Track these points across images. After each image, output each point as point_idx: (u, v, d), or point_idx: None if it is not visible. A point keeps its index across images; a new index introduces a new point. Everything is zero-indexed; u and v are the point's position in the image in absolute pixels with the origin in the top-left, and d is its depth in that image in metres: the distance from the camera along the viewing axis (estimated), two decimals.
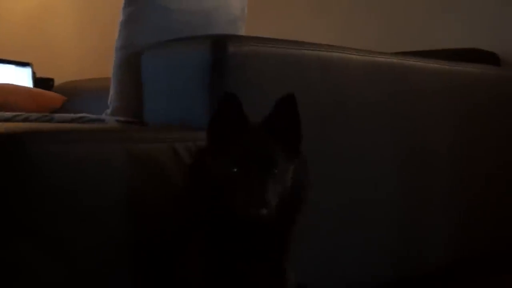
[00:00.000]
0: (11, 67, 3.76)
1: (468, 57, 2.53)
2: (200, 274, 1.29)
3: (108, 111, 1.77)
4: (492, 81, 2.41)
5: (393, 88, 1.94)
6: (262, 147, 1.25)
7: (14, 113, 1.74)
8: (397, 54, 2.08)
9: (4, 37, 4.52)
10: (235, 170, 1.22)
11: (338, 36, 3.11)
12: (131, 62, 1.73)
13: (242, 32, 2.00)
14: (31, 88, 3.59)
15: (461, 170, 2.24)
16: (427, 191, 2.11)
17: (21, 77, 3.75)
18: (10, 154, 1.19)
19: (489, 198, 2.40)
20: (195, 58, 1.56)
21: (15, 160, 1.19)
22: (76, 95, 3.40)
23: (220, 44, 1.53)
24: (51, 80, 3.93)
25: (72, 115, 1.66)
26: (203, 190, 1.28)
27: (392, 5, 3.22)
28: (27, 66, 3.83)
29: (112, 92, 1.78)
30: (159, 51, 1.67)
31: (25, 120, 1.69)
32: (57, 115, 1.65)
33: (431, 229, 2.13)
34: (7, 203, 1.18)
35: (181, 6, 1.77)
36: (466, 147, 2.26)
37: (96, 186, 1.30)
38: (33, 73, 3.83)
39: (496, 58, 2.76)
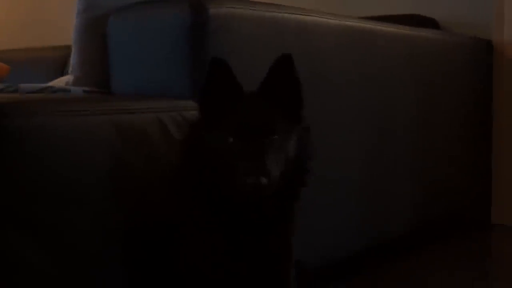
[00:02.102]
0: None
1: (410, 22, 2.52)
2: (203, 252, 1.20)
3: (70, 81, 1.63)
4: (446, 45, 2.41)
5: (363, 53, 1.89)
6: (258, 113, 1.15)
7: None
8: (361, 18, 2.03)
9: None
10: (231, 140, 1.13)
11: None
12: (94, 27, 1.60)
13: None
14: None
15: (421, 136, 2.23)
16: (391, 157, 2.08)
17: None
18: None
19: (446, 164, 2.41)
20: (172, 21, 1.45)
21: None
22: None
23: (199, 5, 1.43)
24: None
25: (38, 85, 1.52)
26: (199, 165, 1.18)
27: None
28: None
29: (73, 60, 1.64)
30: (129, 15, 1.54)
31: None
32: (22, 86, 1.50)
33: (395, 196, 2.11)
34: None
35: None
36: (425, 112, 2.25)
37: (83, 160, 1.18)
38: None
39: (436, 24, 2.77)
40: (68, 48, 3.29)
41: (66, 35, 3.47)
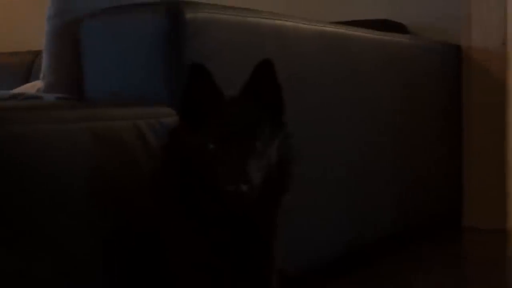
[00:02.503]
0: None
1: (379, 27, 2.53)
2: (186, 258, 1.17)
3: (41, 88, 1.59)
4: (418, 50, 2.42)
5: (340, 57, 1.89)
6: (239, 118, 1.12)
7: None
8: (336, 24, 2.03)
9: None
10: (212, 146, 1.10)
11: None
12: (66, 32, 1.56)
13: None
14: None
15: (398, 140, 2.24)
16: (372, 160, 2.08)
17: None
18: None
19: (424, 169, 2.42)
20: (148, 26, 1.42)
21: None
22: None
23: (176, 10, 1.40)
24: None
25: (8, 92, 1.48)
26: (180, 172, 1.15)
27: None
28: None
29: (44, 66, 1.59)
30: (104, 19, 1.50)
31: None
32: None
33: (377, 199, 2.11)
34: None
35: None
36: (400, 116, 2.25)
37: (61, 169, 1.14)
38: None
39: (404, 29, 2.79)
40: (32, 53, 3.26)
41: (30, 41, 3.44)
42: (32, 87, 1.94)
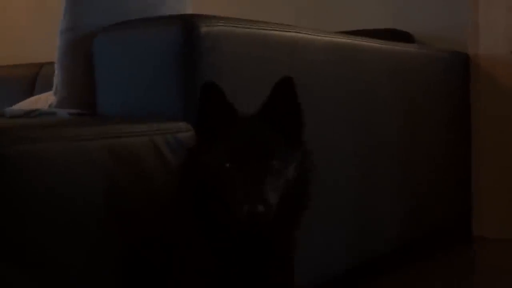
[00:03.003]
0: None
1: (385, 37, 2.52)
2: (202, 279, 1.16)
3: (54, 102, 1.57)
4: (426, 59, 2.41)
5: (351, 68, 1.87)
6: (255, 137, 1.11)
7: None
8: (345, 34, 2.01)
9: None
10: (228, 165, 1.09)
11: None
12: (79, 46, 1.54)
13: (190, 10, 1.85)
14: None
15: (405, 151, 2.22)
16: (378, 174, 2.06)
17: None
18: None
19: (432, 179, 2.40)
20: (163, 40, 1.41)
21: None
22: None
23: (191, 24, 1.39)
24: None
25: (23, 109, 1.46)
26: (196, 191, 1.14)
27: None
28: None
29: (57, 80, 1.58)
30: (117, 34, 1.49)
31: None
32: (8, 109, 1.44)
33: (383, 213, 2.09)
34: None
35: None
36: (408, 126, 2.24)
37: (78, 187, 1.13)
38: None
39: (411, 38, 2.78)
40: (35, 66, 3.24)
41: (32, 54, 3.43)
42: (36, 101, 1.93)
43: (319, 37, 1.73)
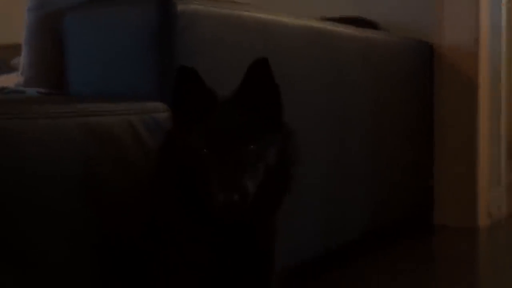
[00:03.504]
0: None
1: (352, 24, 2.52)
2: (181, 261, 1.13)
3: (21, 82, 1.52)
4: (395, 47, 2.41)
5: (324, 53, 1.86)
6: (232, 122, 1.08)
7: None
8: (322, 20, 2.00)
9: None
10: (204, 151, 1.05)
11: None
12: (47, 25, 1.49)
13: None
14: None
15: (374, 139, 2.23)
16: (349, 160, 2.06)
17: None
18: None
19: (398, 169, 2.41)
20: (137, 19, 1.37)
21: None
22: None
23: (167, 2, 1.35)
24: None
25: None
26: (175, 176, 1.10)
27: None
28: None
29: (24, 60, 1.53)
30: (88, 12, 1.45)
31: None
32: None
33: (352, 201, 2.09)
34: None
35: None
36: (377, 115, 2.24)
37: (53, 166, 1.09)
38: None
39: (377, 26, 2.79)
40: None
41: None
42: (4, 81, 1.86)
43: (293, 21, 1.71)
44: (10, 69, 2.25)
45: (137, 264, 1.17)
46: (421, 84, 2.62)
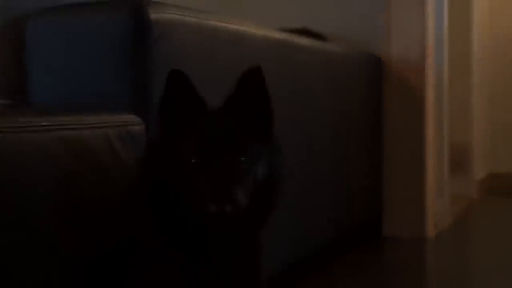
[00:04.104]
0: None
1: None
2: (162, 278, 1.06)
3: None
4: (348, 59, 2.42)
5: (288, 65, 1.84)
6: (224, 131, 1.03)
7: None
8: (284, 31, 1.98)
9: None
10: (193, 160, 1.01)
11: None
12: (8, 31, 1.41)
13: None
14: None
15: (335, 149, 2.23)
16: (313, 170, 2.05)
17: None
18: None
19: (351, 181, 2.41)
20: (110, 26, 1.31)
21: None
22: None
23: (140, 10, 1.30)
24: None
25: None
26: (159, 187, 1.04)
27: None
28: None
29: None
30: (55, 18, 1.37)
31: None
32: None
33: (316, 211, 2.08)
34: None
35: None
36: (335, 126, 2.24)
37: (30, 182, 1.01)
38: None
39: (324, 39, 2.80)
40: None
41: None
42: None
43: (259, 32, 1.69)
44: None
45: (114, 278, 1.10)
46: (372, 97, 2.64)
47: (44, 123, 1.05)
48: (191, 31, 1.40)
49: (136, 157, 1.14)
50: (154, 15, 1.30)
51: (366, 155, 2.61)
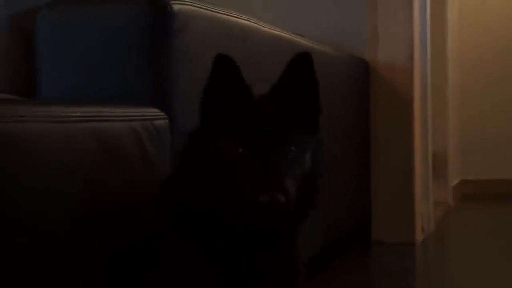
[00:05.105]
0: None
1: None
2: (197, 276, 1.01)
3: None
4: (338, 61, 2.39)
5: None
6: (272, 119, 0.98)
7: None
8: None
9: None
10: (240, 150, 0.95)
11: None
12: (16, 23, 1.34)
13: None
14: None
15: (326, 154, 2.18)
16: None
17: None
18: None
19: (341, 186, 2.38)
20: (128, 18, 1.26)
21: None
22: None
23: (162, 1, 1.25)
24: None
25: None
26: (199, 180, 0.98)
27: None
28: None
29: None
30: (68, 9, 1.31)
31: None
32: None
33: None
34: None
35: None
36: (327, 130, 2.21)
37: (58, 175, 0.95)
38: None
39: None
40: None
41: None
42: None
43: (265, 29, 1.66)
44: None
45: (141, 271, 1.04)
46: (360, 100, 2.62)
47: (77, 114, 0.98)
48: (206, 24, 1.36)
49: (164, 150, 1.09)
50: (176, 6, 1.25)
51: (354, 160, 2.58)
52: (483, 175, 4.57)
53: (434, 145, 3.16)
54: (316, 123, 1.05)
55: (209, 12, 1.37)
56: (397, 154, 2.67)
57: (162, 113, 1.21)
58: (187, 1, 1.29)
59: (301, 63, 1.02)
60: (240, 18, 1.51)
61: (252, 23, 1.58)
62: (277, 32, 1.76)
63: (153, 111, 1.19)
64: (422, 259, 2.62)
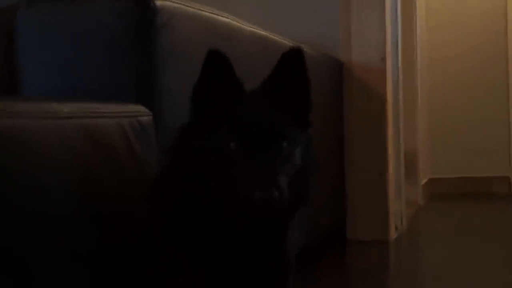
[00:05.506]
0: None
1: None
2: (188, 276, 1.01)
3: None
4: (317, 60, 2.40)
5: (269, 62, 1.81)
6: (264, 115, 0.98)
7: None
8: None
9: None
10: (233, 146, 0.95)
11: None
12: None
13: None
14: None
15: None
16: None
17: None
18: None
19: (323, 181, 2.39)
20: (111, 15, 1.25)
21: None
22: None
23: None
24: None
25: None
26: (190, 177, 0.97)
27: None
28: None
29: None
30: (49, 7, 1.29)
31: None
32: None
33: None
34: None
35: None
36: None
37: (50, 172, 0.94)
38: None
39: None
40: None
41: None
42: None
43: (251, 29, 1.67)
44: None
45: (135, 268, 1.04)
46: (334, 100, 2.63)
47: (66, 110, 0.97)
48: (190, 21, 1.35)
49: (149, 146, 1.09)
50: (159, 2, 1.25)
51: (329, 160, 2.59)
52: (451, 173, 4.64)
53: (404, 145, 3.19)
54: (306, 119, 1.05)
55: (193, 9, 1.36)
56: (371, 154, 2.69)
57: (147, 110, 1.20)
58: None
59: (293, 59, 1.02)
60: (223, 17, 1.51)
61: (235, 22, 1.58)
62: (259, 31, 1.76)
63: (137, 108, 1.19)
64: (395, 256, 2.65)
